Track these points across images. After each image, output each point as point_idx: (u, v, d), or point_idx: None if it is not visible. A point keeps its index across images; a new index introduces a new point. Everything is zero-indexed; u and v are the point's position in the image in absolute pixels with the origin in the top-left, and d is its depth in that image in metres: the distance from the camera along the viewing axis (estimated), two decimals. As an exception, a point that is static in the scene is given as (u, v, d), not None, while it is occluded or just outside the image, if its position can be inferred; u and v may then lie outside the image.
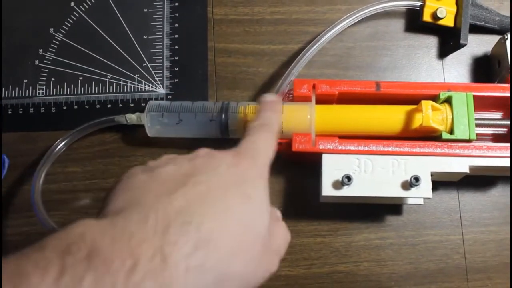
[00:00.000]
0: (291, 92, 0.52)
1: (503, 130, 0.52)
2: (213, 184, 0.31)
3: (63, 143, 0.53)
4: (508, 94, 0.50)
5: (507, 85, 0.50)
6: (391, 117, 0.50)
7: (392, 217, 0.54)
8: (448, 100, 0.50)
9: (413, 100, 0.50)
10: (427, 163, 0.48)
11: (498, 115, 0.53)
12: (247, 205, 0.32)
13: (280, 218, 0.39)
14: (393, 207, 0.53)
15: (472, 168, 0.48)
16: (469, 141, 0.49)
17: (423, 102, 0.48)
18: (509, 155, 0.48)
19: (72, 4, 0.59)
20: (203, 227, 0.28)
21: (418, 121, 0.49)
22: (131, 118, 0.53)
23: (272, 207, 0.36)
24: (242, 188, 0.32)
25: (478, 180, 0.52)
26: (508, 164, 0.48)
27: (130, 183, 0.32)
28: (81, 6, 0.59)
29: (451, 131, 0.49)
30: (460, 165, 0.48)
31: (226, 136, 0.52)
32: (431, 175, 0.48)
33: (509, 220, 0.53)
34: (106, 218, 0.29)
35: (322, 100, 0.52)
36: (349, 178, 0.47)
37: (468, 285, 0.52)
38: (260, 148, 0.37)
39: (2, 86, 0.58)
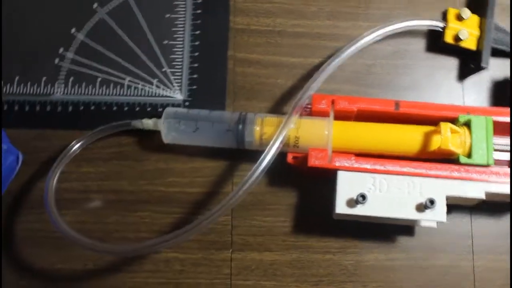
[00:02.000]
0: (309, 106, 0.52)
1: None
2: None
3: (78, 144, 0.52)
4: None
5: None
6: (409, 137, 0.50)
7: (403, 238, 0.53)
8: (467, 124, 0.50)
9: (432, 121, 0.50)
10: (443, 186, 0.48)
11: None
12: None
13: None
14: (405, 228, 0.53)
15: (488, 194, 0.48)
16: (486, 166, 0.48)
17: (442, 124, 0.48)
18: (526, 183, 0.48)
19: (95, 5, 0.60)
20: None
21: (436, 143, 0.49)
22: (148, 123, 0.53)
23: None
24: None
25: (493, 206, 0.52)
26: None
27: None
28: (104, 8, 0.59)
29: (469, 155, 0.49)
30: (476, 191, 0.48)
31: (241, 147, 0.52)
32: (446, 199, 0.48)
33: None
34: None
35: (340, 116, 0.51)
36: (363, 197, 0.47)
37: (477, 312, 0.52)
38: None
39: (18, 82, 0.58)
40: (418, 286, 0.52)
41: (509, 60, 0.57)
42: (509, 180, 0.48)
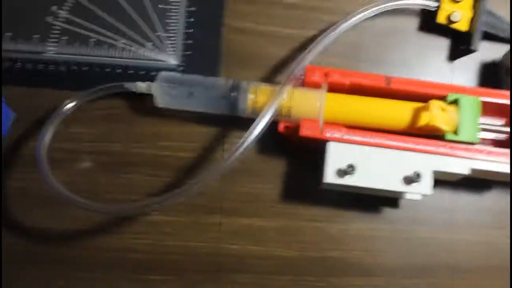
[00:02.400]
0: (302, 77, 0.52)
1: (503, 137, 0.53)
2: None
3: (71, 104, 0.52)
4: (513, 102, 0.51)
5: (513, 93, 0.52)
6: (398, 112, 0.51)
7: (388, 210, 0.55)
8: (456, 102, 0.51)
9: (422, 98, 0.51)
10: (429, 161, 0.49)
11: (501, 121, 0.54)
12: None
13: None
14: (390, 200, 0.54)
15: (472, 171, 0.50)
16: (471, 144, 0.50)
17: (431, 101, 0.49)
18: (509, 161, 0.49)
19: (91, -36, 0.59)
20: None
21: (424, 119, 0.50)
22: (141, 86, 0.53)
23: None
24: None
25: (476, 182, 0.53)
26: (508, 171, 0.49)
27: None
28: (99, -32, 0.59)
29: (456, 132, 0.50)
30: (461, 167, 0.49)
31: (235, 114, 0.52)
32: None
33: (501, 225, 0.55)
34: None
35: (333, 89, 0.52)
36: (352, 167, 0.48)
37: (453, 283, 0.54)
38: None
39: (10, 38, 0.57)
40: (399, 256, 0.54)
41: (499, 45, 0.58)
42: (492, 158, 0.49)
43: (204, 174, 0.47)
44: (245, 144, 0.47)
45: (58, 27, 0.58)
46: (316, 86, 0.52)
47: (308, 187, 0.54)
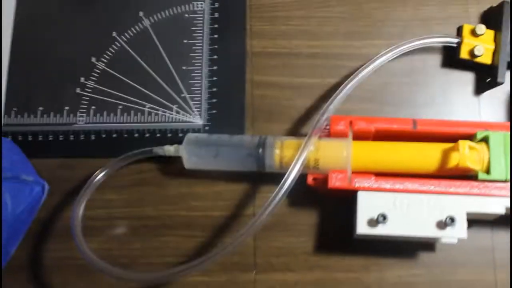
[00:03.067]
0: (328, 127, 0.52)
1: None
2: None
3: (102, 173, 0.53)
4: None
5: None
6: (427, 155, 0.50)
7: (424, 254, 0.54)
8: (485, 139, 0.50)
9: (450, 138, 0.50)
10: (462, 203, 0.48)
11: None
12: None
13: None
14: (426, 243, 0.53)
15: (508, 209, 0.48)
16: (505, 181, 0.49)
17: (460, 141, 0.49)
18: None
19: (114, 34, 0.61)
20: None
21: (454, 160, 0.49)
22: (169, 150, 0.54)
23: None
24: None
25: (513, 219, 0.52)
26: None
27: None
28: (122, 36, 0.61)
29: (488, 171, 0.49)
30: (496, 206, 0.48)
31: (262, 170, 0.52)
32: (466, 215, 0.48)
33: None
34: None
35: (359, 136, 0.52)
36: (384, 217, 0.47)
37: (502, 325, 0.52)
38: None
39: (42, 112, 0.59)
40: (441, 301, 0.53)
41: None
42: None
43: (239, 233, 0.48)
44: (276, 199, 0.47)
45: (87, 97, 0.59)
46: (342, 135, 0.52)
47: (341, 237, 0.54)
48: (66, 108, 0.59)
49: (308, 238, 0.55)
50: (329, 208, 0.55)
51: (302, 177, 0.51)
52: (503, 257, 0.53)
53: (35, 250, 0.56)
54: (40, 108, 0.59)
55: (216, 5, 0.62)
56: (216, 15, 0.61)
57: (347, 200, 0.51)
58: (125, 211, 0.56)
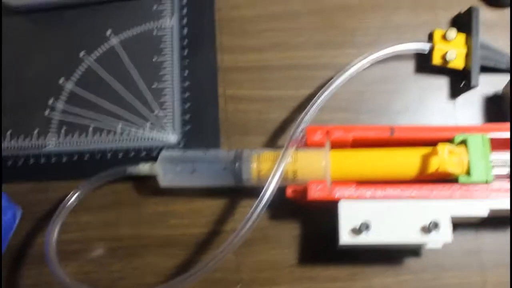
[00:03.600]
0: (304, 138, 0.52)
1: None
2: None
3: (75, 195, 0.52)
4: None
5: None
6: (406, 161, 0.50)
7: (411, 260, 0.53)
8: (464, 142, 0.50)
9: (428, 143, 0.50)
10: (445, 207, 0.48)
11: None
12: None
13: None
14: (411, 250, 0.53)
15: (491, 211, 0.48)
16: (486, 183, 0.48)
17: (439, 145, 0.48)
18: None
19: (82, 53, 0.60)
20: None
21: (434, 165, 0.48)
22: (144, 168, 0.53)
23: None
24: None
25: (498, 220, 0.51)
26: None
27: None
28: (91, 56, 0.60)
29: (468, 174, 0.48)
30: (479, 209, 0.48)
31: (240, 185, 0.51)
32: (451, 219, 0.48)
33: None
34: None
35: (336, 146, 0.51)
36: (367, 225, 0.47)
37: (493, 328, 0.52)
38: None
39: (11, 136, 0.58)
40: (430, 307, 0.52)
41: (498, 75, 0.57)
42: (510, 195, 0.48)
43: (219, 250, 0.46)
44: (255, 213, 0.47)
45: (56, 119, 0.58)
46: (319, 146, 0.51)
47: (325, 247, 0.53)
48: (36, 130, 0.58)
49: (291, 250, 0.54)
50: (311, 218, 0.54)
51: (281, 189, 0.50)
52: (490, 259, 0.53)
53: (9, 278, 0.54)
54: (9, 132, 0.58)
55: (185, 21, 0.61)
56: (186, 31, 0.60)
57: (328, 211, 0.51)
58: (101, 232, 0.55)
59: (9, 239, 0.54)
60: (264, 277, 0.53)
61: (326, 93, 0.51)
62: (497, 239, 0.53)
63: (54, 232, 0.50)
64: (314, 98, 0.51)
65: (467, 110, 0.57)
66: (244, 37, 0.60)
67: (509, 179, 0.50)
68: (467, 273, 0.53)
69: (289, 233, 0.54)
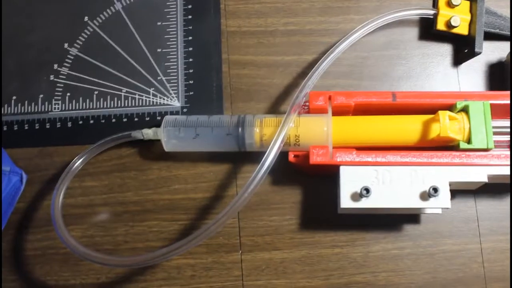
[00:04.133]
0: (307, 104, 0.52)
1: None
2: None
3: (80, 160, 0.53)
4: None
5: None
6: (408, 127, 0.50)
7: (410, 227, 0.54)
8: (465, 109, 0.50)
9: (430, 109, 0.50)
10: (445, 173, 0.48)
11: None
12: None
13: None
14: (411, 216, 0.53)
15: (491, 177, 0.48)
16: (487, 150, 0.49)
17: (440, 112, 0.48)
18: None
19: (86, 18, 0.60)
20: None
21: (435, 131, 0.49)
22: (148, 133, 0.53)
23: None
24: None
25: (496, 188, 0.52)
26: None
27: None
28: (94, 21, 0.60)
29: (469, 141, 0.49)
30: (478, 175, 0.48)
31: (243, 150, 0.52)
32: (449, 185, 0.48)
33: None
34: None
35: (338, 111, 0.52)
36: (367, 190, 0.47)
37: (489, 293, 0.53)
38: None
39: (16, 101, 0.58)
40: (427, 272, 0.53)
41: (502, 43, 0.57)
42: (509, 161, 0.48)
43: (221, 213, 0.47)
44: (257, 178, 0.47)
45: (61, 84, 0.58)
46: (321, 111, 0.51)
47: (325, 213, 0.54)
48: (41, 96, 0.58)
49: (292, 216, 0.54)
50: (312, 185, 0.55)
51: (283, 155, 0.50)
52: (487, 226, 0.54)
53: (16, 241, 0.55)
54: (14, 97, 0.58)
55: (189, -14, 0.61)
56: (190, -5, 0.60)
57: (330, 176, 0.51)
58: (106, 197, 0.56)
59: (15, 202, 0.55)
60: (265, 241, 0.54)
61: (329, 58, 0.51)
62: (494, 207, 0.54)
63: (59, 196, 0.51)
64: (317, 63, 0.51)
65: (470, 77, 0.57)
66: (248, 1, 0.60)
67: (508, 146, 0.50)
68: (464, 240, 0.54)
69: (290, 199, 0.55)
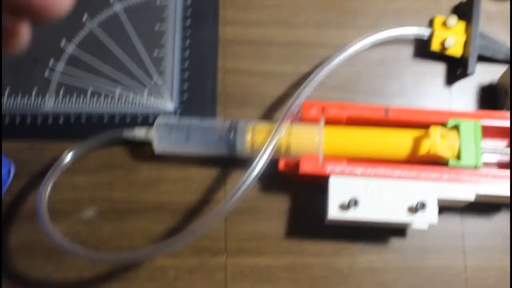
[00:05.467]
0: (300, 113, 0.52)
1: (507, 159, 0.52)
2: None
3: (70, 154, 0.52)
4: (514, 124, 0.51)
5: (513, 114, 0.51)
6: (398, 142, 0.51)
7: (396, 240, 0.54)
8: (456, 127, 0.50)
9: (421, 126, 0.51)
10: (433, 189, 0.48)
11: (504, 143, 0.53)
12: None
13: None
14: (397, 230, 0.54)
15: (478, 196, 0.49)
16: (475, 168, 0.49)
17: (431, 128, 0.49)
18: (514, 184, 0.49)
19: (85, 17, 0.60)
20: None
21: (425, 147, 0.49)
22: (139, 133, 0.53)
23: None
24: None
25: (482, 206, 0.53)
26: (513, 193, 0.49)
27: None
28: (93, 20, 0.60)
29: (458, 158, 0.49)
30: (466, 193, 0.49)
31: (233, 155, 0.52)
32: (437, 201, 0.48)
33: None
34: None
35: (330, 123, 0.52)
36: (356, 201, 0.47)
37: (470, 312, 0.53)
38: None
39: (9, 94, 0.58)
40: (411, 286, 0.53)
41: (494, 66, 0.58)
42: (497, 181, 0.49)
43: (207, 216, 0.47)
44: (246, 183, 0.47)
45: (55, 81, 0.58)
46: (314, 121, 0.52)
47: (312, 222, 0.54)
48: (35, 90, 0.58)
49: (279, 223, 0.54)
50: (301, 193, 0.55)
51: (274, 163, 0.51)
52: (472, 244, 0.54)
53: (1, 233, 0.55)
54: (7, 89, 0.58)
55: (189, -8, 0.61)
56: (189, 1, 0.61)
57: (318, 186, 0.51)
58: (93, 194, 0.55)
59: (3, 194, 0.55)
60: (251, 247, 0.54)
61: (324, 70, 0.52)
62: (480, 225, 0.55)
63: (47, 190, 0.51)
64: (312, 74, 0.52)
65: (462, 97, 0.58)
66: (247, 11, 0.61)
67: (497, 167, 0.51)
68: (449, 256, 0.54)
69: (278, 206, 0.55)
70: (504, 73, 0.55)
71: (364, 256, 0.54)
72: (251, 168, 0.47)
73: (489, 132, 0.52)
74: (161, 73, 0.58)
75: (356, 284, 0.53)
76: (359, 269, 0.53)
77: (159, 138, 0.52)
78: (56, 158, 0.53)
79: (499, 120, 0.51)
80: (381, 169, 0.49)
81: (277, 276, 0.53)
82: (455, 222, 0.54)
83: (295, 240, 0.54)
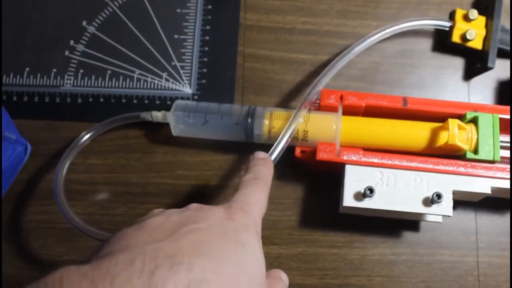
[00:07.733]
0: (318, 101, 0.52)
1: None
2: (205, 233, 0.32)
3: (88, 135, 0.53)
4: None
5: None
6: (416, 133, 0.50)
7: (408, 234, 0.54)
8: (474, 120, 0.50)
9: (439, 118, 0.51)
10: (449, 181, 0.48)
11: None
12: (241, 250, 0.32)
13: (285, 280, 0.39)
14: (410, 223, 0.53)
15: (494, 190, 0.49)
16: (493, 162, 0.49)
17: (450, 120, 0.49)
18: (532, 179, 0.48)
19: (107, -1, 0.60)
20: (195, 267, 0.28)
21: (443, 139, 0.49)
22: (157, 115, 0.53)
23: (278, 269, 0.38)
24: (235, 238, 0.33)
25: (497, 202, 0.52)
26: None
27: (119, 236, 0.32)
28: (115, 1, 0.60)
29: (476, 151, 0.49)
30: (482, 186, 0.48)
31: (250, 140, 0.52)
32: (453, 193, 0.48)
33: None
34: (90, 263, 0.28)
35: (349, 111, 0.52)
36: (371, 190, 0.47)
37: (480, 307, 0.52)
38: (253, 202, 0.38)
39: (29, 73, 0.58)
40: (422, 281, 0.53)
41: (513, 61, 0.58)
42: (514, 176, 0.49)
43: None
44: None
45: (75, 61, 0.58)
46: (332, 109, 0.52)
47: (326, 212, 0.54)
48: (54, 70, 0.58)
49: (293, 212, 0.54)
50: (315, 183, 0.55)
51: (290, 151, 0.51)
52: (486, 240, 0.54)
53: (15, 212, 0.55)
54: (27, 69, 0.58)
55: (211, -24, 0.61)
56: (211, -13, 0.61)
57: (333, 176, 0.51)
58: (109, 176, 0.56)
59: (17, 173, 0.55)
60: (263, 235, 0.53)
61: (343, 59, 0.52)
62: (494, 221, 0.54)
63: (63, 170, 0.51)
64: (332, 62, 0.51)
65: (480, 92, 0.58)
66: (269, -3, 0.61)
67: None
68: (462, 252, 0.53)
69: (292, 195, 0.55)
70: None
71: (377, 248, 0.53)
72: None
73: (507, 127, 0.51)
74: (180, 57, 0.58)
75: (367, 276, 0.53)
76: (371, 261, 0.53)
77: (176, 121, 0.52)
78: (72, 138, 0.53)
79: (517, 115, 0.51)
80: (398, 160, 0.49)
81: (288, 265, 0.53)
82: (469, 218, 0.54)
83: (308, 230, 0.54)
